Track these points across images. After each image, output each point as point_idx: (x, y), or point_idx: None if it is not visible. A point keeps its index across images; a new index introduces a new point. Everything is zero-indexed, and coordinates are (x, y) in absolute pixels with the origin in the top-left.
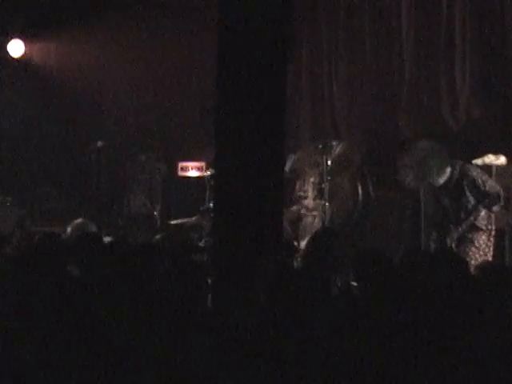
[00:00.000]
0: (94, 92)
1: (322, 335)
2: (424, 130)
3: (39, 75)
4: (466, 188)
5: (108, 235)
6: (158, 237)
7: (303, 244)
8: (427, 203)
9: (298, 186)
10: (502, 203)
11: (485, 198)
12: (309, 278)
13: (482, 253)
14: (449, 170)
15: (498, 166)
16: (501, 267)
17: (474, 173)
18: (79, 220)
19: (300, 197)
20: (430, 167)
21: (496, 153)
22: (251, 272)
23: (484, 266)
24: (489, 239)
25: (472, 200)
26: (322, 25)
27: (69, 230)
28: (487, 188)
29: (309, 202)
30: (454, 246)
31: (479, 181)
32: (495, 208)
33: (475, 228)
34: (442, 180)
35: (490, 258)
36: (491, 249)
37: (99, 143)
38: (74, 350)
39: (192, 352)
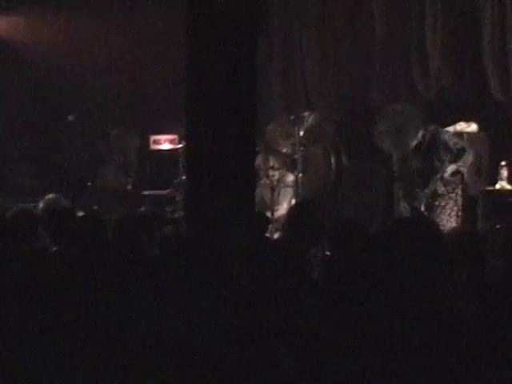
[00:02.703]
0: (64, 67)
1: (299, 307)
2: (396, 98)
3: (8, 51)
4: (437, 151)
5: (82, 210)
6: (131, 210)
7: (277, 215)
8: (400, 170)
9: (270, 158)
10: (467, 160)
11: (453, 161)
12: (286, 249)
13: (450, 220)
14: (421, 132)
15: (469, 134)
16: (471, 234)
17: (446, 136)
18: (51, 195)
19: (273, 168)
20: (406, 132)
21: (467, 120)
22: (224, 244)
23: (454, 233)
24: (457, 206)
25: (441, 163)
26: None
27: (41, 205)
28: (458, 150)
29: (282, 173)
30: (424, 212)
31: (451, 143)
32: (461, 165)
33: (443, 195)
34: (414, 143)
35: (459, 225)
36: (460, 216)
37: (70, 117)
38: (48, 327)
39: (168, 324)
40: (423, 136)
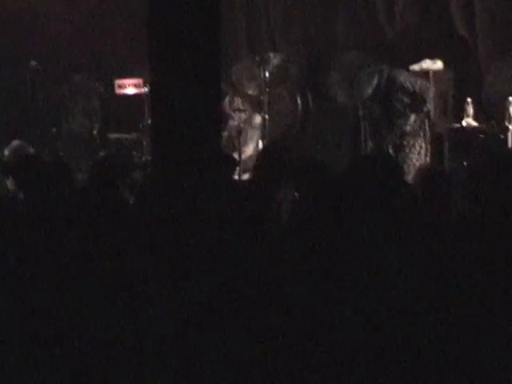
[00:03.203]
0: (26, 11)
1: (268, 250)
2: (360, 38)
3: None
4: (394, 93)
5: (47, 156)
6: (101, 155)
7: (244, 157)
8: (365, 113)
9: (236, 99)
10: (430, 101)
11: (412, 101)
12: (255, 191)
13: (420, 158)
14: (376, 78)
15: (435, 71)
16: (438, 172)
17: (402, 77)
18: (16, 142)
19: (239, 110)
20: (358, 81)
21: (432, 58)
22: (192, 188)
23: (422, 171)
24: (425, 144)
25: (401, 104)
26: None
27: (6, 152)
28: (417, 89)
29: (248, 114)
30: (391, 153)
31: (407, 84)
32: (424, 108)
33: (410, 134)
34: (370, 90)
35: (428, 163)
36: (429, 154)
37: (33, 63)
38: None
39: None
40: (379, 80)
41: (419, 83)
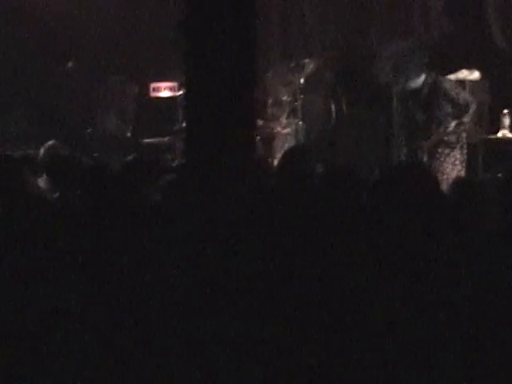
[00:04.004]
0: (63, 13)
1: (293, 254)
2: (397, 46)
3: None
4: (438, 100)
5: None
6: (130, 157)
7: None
8: (399, 117)
9: (270, 105)
10: (472, 113)
11: (454, 111)
12: (280, 196)
13: (455, 169)
14: (423, 77)
15: (471, 81)
16: (472, 183)
17: (448, 85)
18: (51, 142)
19: (273, 116)
20: (406, 70)
21: (469, 68)
22: (223, 193)
23: (456, 182)
24: (461, 155)
25: (444, 113)
26: None
27: (41, 151)
28: (461, 100)
29: (282, 120)
30: (425, 160)
31: (452, 93)
32: (465, 119)
33: (446, 143)
34: (413, 85)
35: (463, 174)
36: (464, 165)
37: (70, 64)
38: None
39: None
40: (423, 83)
41: (463, 95)
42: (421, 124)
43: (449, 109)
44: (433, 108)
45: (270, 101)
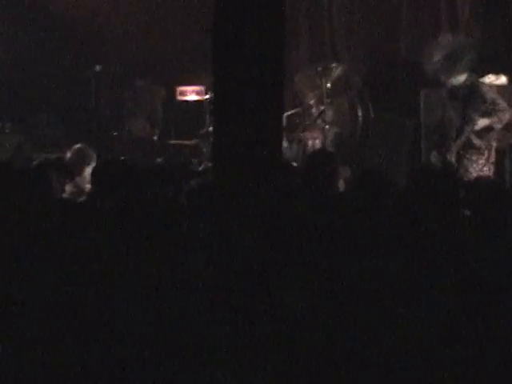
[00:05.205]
0: (89, 17)
1: (322, 257)
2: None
3: (34, 2)
4: (474, 102)
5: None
6: (159, 160)
7: None
8: (431, 120)
9: (298, 109)
10: (506, 120)
11: (487, 115)
12: (305, 199)
13: (481, 172)
14: (465, 76)
15: (498, 86)
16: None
17: (485, 88)
18: (79, 145)
19: (300, 120)
20: (460, 60)
21: (497, 73)
22: (250, 196)
23: (480, 184)
24: (488, 160)
25: (477, 115)
26: None
27: (69, 155)
28: (496, 107)
29: (309, 124)
30: (454, 163)
31: (488, 97)
32: (498, 125)
33: (475, 147)
34: (455, 82)
35: (489, 177)
36: (491, 169)
37: (97, 67)
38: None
39: (192, 271)
40: (464, 81)
41: (499, 101)
42: (451, 125)
43: (483, 113)
44: (467, 110)
45: (297, 105)
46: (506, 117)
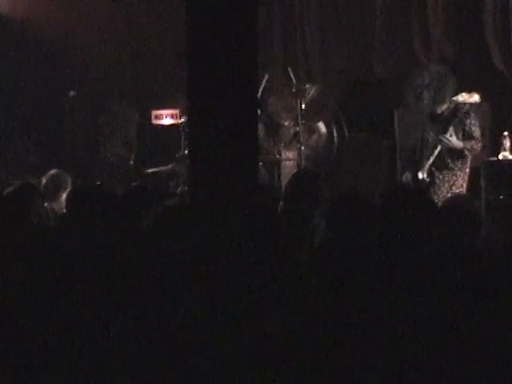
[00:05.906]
0: (63, 42)
1: (300, 278)
2: (398, 70)
3: (10, 26)
4: (451, 125)
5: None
6: (134, 184)
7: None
8: (405, 140)
9: (272, 131)
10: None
11: (466, 134)
12: (288, 219)
13: (455, 190)
14: (447, 105)
15: (471, 104)
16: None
17: (465, 114)
18: (54, 171)
19: (275, 142)
20: (445, 91)
21: (469, 91)
22: (227, 219)
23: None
24: (462, 179)
25: (455, 137)
26: None
27: (44, 180)
28: (472, 133)
29: (284, 146)
30: (427, 181)
31: (467, 123)
32: (468, 147)
33: (447, 168)
34: (440, 110)
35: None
36: (463, 189)
37: (71, 93)
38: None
39: (177, 299)
40: (448, 106)
41: (477, 132)
42: (430, 145)
43: (460, 134)
44: (446, 131)
45: (272, 126)
46: (477, 147)
